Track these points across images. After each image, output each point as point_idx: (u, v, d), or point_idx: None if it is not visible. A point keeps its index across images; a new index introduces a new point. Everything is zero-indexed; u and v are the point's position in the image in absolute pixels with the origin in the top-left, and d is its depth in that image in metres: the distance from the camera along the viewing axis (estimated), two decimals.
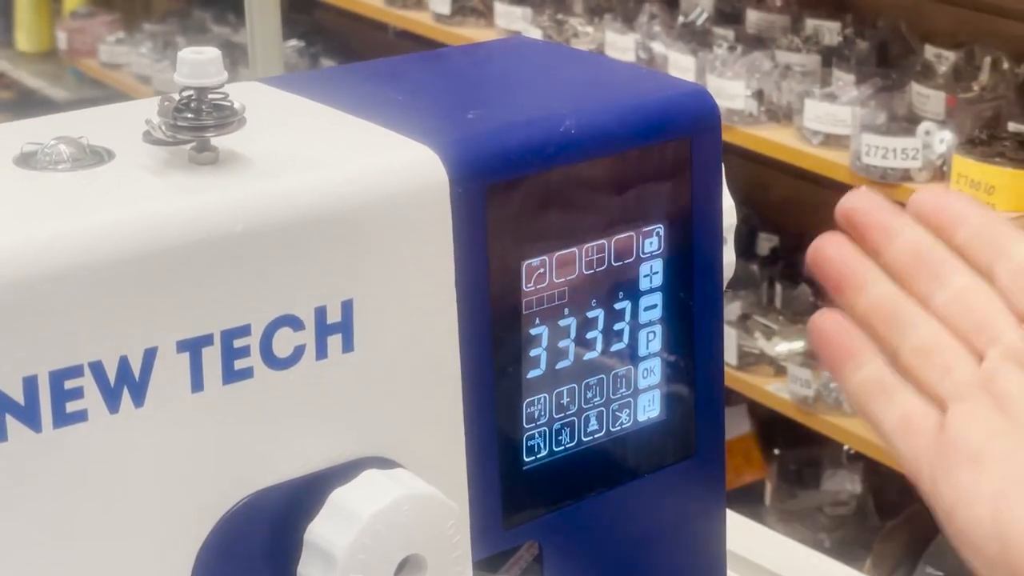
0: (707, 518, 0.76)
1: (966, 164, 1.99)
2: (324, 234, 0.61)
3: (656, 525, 0.74)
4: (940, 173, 2.06)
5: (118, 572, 0.59)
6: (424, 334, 0.64)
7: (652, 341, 0.72)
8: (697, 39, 2.44)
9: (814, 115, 2.18)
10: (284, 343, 0.61)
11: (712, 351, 0.74)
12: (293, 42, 3.18)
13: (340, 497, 0.62)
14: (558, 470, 0.70)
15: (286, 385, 0.61)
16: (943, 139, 2.07)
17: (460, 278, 0.65)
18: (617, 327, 0.71)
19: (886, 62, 2.27)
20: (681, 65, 2.35)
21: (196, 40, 3.30)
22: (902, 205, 0.62)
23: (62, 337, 0.56)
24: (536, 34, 2.57)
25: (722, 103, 0.66)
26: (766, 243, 2.52)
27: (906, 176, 2.06)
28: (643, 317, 0.71)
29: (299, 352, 0.61)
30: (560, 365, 0.69)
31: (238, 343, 0.60)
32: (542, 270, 0.68)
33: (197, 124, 0.61)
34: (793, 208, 2.54)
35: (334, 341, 0.62)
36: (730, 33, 2.43)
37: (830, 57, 2.29)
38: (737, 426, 2.46)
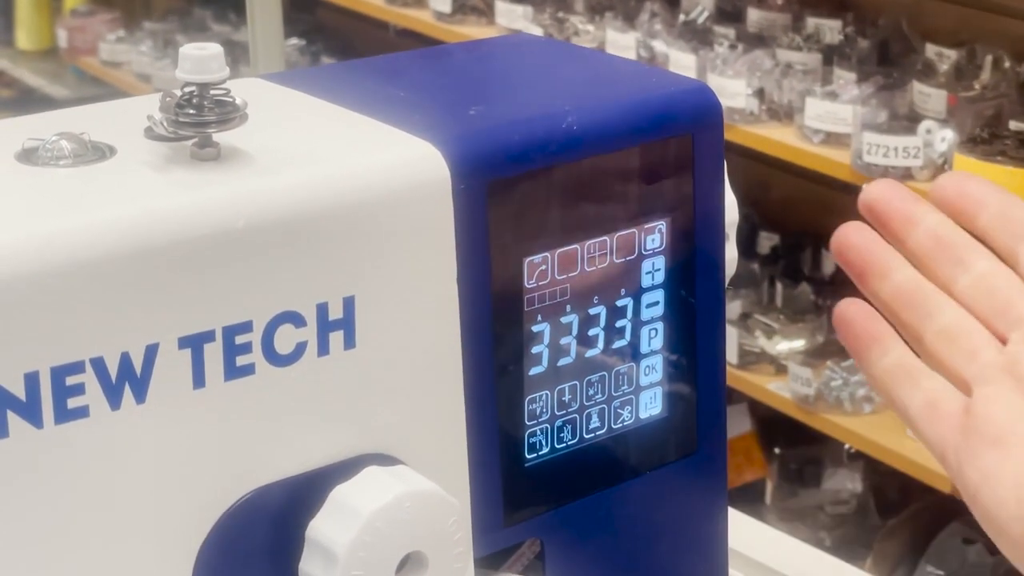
0: (709, 515, 0.76)
1: (967, 163, 1.99)
2: (326, 230, 0.61)
3: (658, 522, 0.74)
4: (941, 172, 2.06)
5: (119, 568, 0.59)
6: (426, 331, 0.64)
7: (654, 338, 0.72)
8: (698, 37, 2.44)
9: (815, 114, 2.18)
10: (286, 340, 0.61)
11: (714, 347, 0.74)
12: (294, 40, 3.18)
13: (341, 494, 0.61)
14: (560, 467, 0.70)
15: (288, 382, 0.61)
16: (944, 138, 2.07)
17: (462, 274, 0.65)
18: (619, 324, 0.71)
19: (887, 61, 2.27)
20: (682, 64, 2.35)
21: (196, 38, 3.29)
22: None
23: (64, 333, 0.56)
24: (537, 32, 2.57)
25: (723, 102, 0.66)
26: (767, 242, 2.52)
27: (907, 175, 2.06)
28: (645, 314, 0.71)
29: (301, 349, 0.61)
30: (562, 362, 0.69)
31: (240, 339, 0.60)
32: (544, 267, 0.68)
33: (199, 120, 0.61)
34: (794, 207, 2.54)
35: (336, 338, 0.62)
36: (731, 31, 2.43)
37: (831, 56, 2.29)
38: (738, 425, 2.46)
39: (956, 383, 0.59)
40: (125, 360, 0.57)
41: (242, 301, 0.60)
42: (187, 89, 0.61)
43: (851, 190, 2.18)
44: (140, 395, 0.58)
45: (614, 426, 0.72)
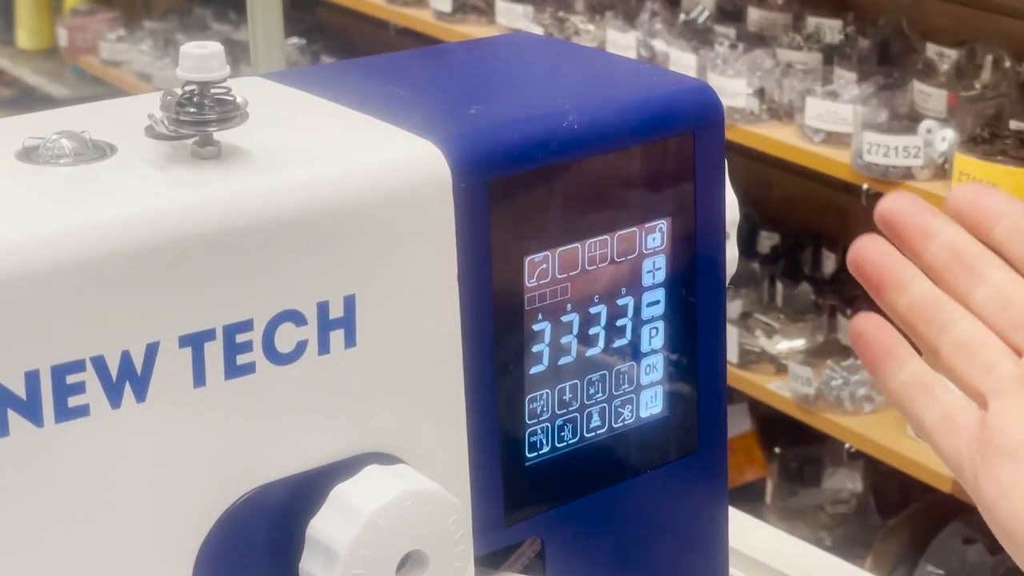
0: (709, 514, 0.76)
1: (968, 162, 1.99)
2: (326, 229, 0.61)
3: (658, 521, 0.74)
4: (942, 171, 2.06)
5: (120, 567, 0.59)
6: (426, 329, 0.64)
7: (654, 337, 0.72)
8: (698, 37, 2.44)
9: (815, 113, 2.18)
10: (286, 338, 0.61)
11: (715, 346, 0.74)
12: (294, 40, 3.18)
13: (342, 493, 0.61)
14: (560, 466, 0.70)
15: (288, 380, 0.61)
16: (944, 137, 2.07)
17: (463, 273, 0.65)
18: (619, 323, 0.71)
19: (887, 60, 2.27)
20: (682, 63, 2.35)
21: (197, 37, 3.30)
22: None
23: (64, 331, 0.56)
24: (537, 32, 2.57)
25: (724, 101, 0.66)
26: (767, 241, 2.52)
27: (907, 174, 2.06)
28: (645, 313, 0.71)
29: (301, 347, 0.61)
30: (562, 361, 0.69)
31: (240, 338, 0.60)
32: (544, 266, 0.68)
33: (199, 118, 0.61)
34: (794, 206, 2.54)
35: (336, 336, 0.62)
36: (731, 31, 2.43)
37: (831, 55, 2.29)
38: (738, 424, 2.46)
39: (972, 396, 0.59)
40: (126, 359, 0.57)
41: (243, 300, 0.60)
42: (188, 88, 0.61)
43: (851, 190, 2.19)
44: (140, 394, 0.58)
45: (615, 425, 0.72)
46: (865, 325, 0.62)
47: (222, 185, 0.60)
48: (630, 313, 0.71)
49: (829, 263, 2.44)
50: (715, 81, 2.25)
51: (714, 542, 0.77)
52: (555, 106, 0.68)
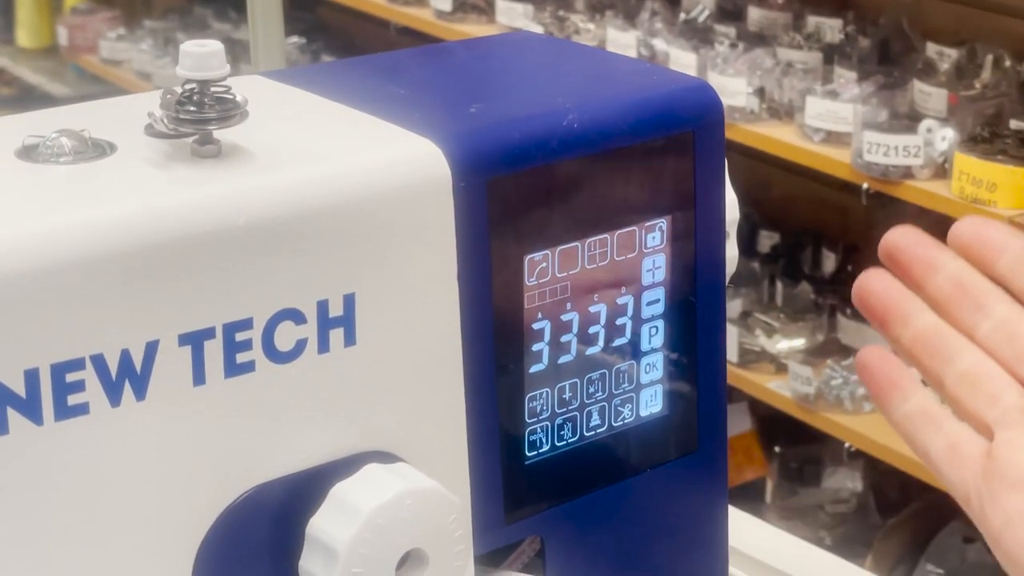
0: (709, 513, 0.76)
1: (968, 162, 1.99)
2: (326, 227, 0.61)
3: (658, 520, 0.74)
4: (942, 171, 2.06)
5: (120, 565, 0.59)
6: (426, 328, 0.64)
7: (654, 336, 0.72)
8: (699, 36, 2.44)
9: (815, 112, 2.18)
10: (286, 337, 0.61)
11: (715, 345, 0.74)
12: (295, 39, 3.18)
13: (342, 491, 0.61)
14: (560, 465, 0.70)
15: (288, 379, 0.61)
16: (945, 137, 2.07)
17: (462, 272, 0.65)
18: (619, 322, 0.71)
19: (888, 59, 2.27)
20: (682, 62, 2.35)
21: (197, 36, 3.30)
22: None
23: (64, 330, 0.56)
24: (537, 31, 2.57)
25: (724, 100, 0.66)
26: (767, 240, 2.52)
27: (907, 174, 2.06)
28: (645, 312, 0.71)
29: (301, 346, 0.61)
30: (562, 360, 0.69)
31: (240, 336, 0.60)
32: (544, 264, 0.68)
33: (199, 117, 0.61)
34: (794, 206, 2.54)
35: (336, 335, 0.62)
36: (732, 30, 2.43)
37: (832, 54, 2.29)
38: (738, 424, 2.46)
39: (978, 427, 0.60)
40: (125, 357, 0.57)
41: (242, 298, 0.60)
42: (188, 86, 0.61)
43: (852, 189, 2.19)
44: (140, 392, 0.58)
45: (615, 424, 0.72)
46: (870, 357, 0.62)
47: (222, 184, 0.60)
48: (630, 312, 0.71)
49: (829, 262, 2.44)
50: (715, 80, 2.25)
51: (714, 541, 0.77)
52: (555, 105, 0.68)
